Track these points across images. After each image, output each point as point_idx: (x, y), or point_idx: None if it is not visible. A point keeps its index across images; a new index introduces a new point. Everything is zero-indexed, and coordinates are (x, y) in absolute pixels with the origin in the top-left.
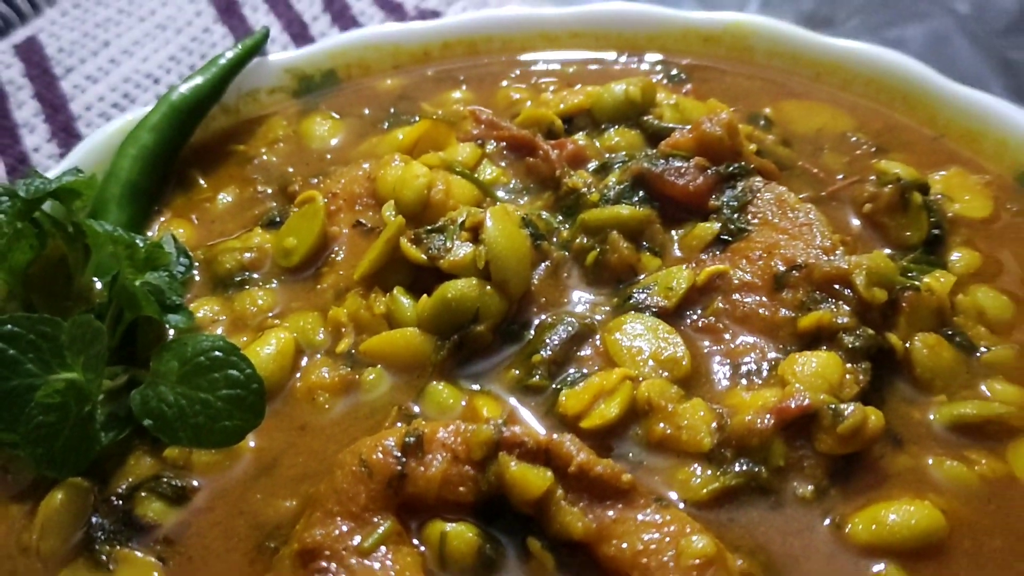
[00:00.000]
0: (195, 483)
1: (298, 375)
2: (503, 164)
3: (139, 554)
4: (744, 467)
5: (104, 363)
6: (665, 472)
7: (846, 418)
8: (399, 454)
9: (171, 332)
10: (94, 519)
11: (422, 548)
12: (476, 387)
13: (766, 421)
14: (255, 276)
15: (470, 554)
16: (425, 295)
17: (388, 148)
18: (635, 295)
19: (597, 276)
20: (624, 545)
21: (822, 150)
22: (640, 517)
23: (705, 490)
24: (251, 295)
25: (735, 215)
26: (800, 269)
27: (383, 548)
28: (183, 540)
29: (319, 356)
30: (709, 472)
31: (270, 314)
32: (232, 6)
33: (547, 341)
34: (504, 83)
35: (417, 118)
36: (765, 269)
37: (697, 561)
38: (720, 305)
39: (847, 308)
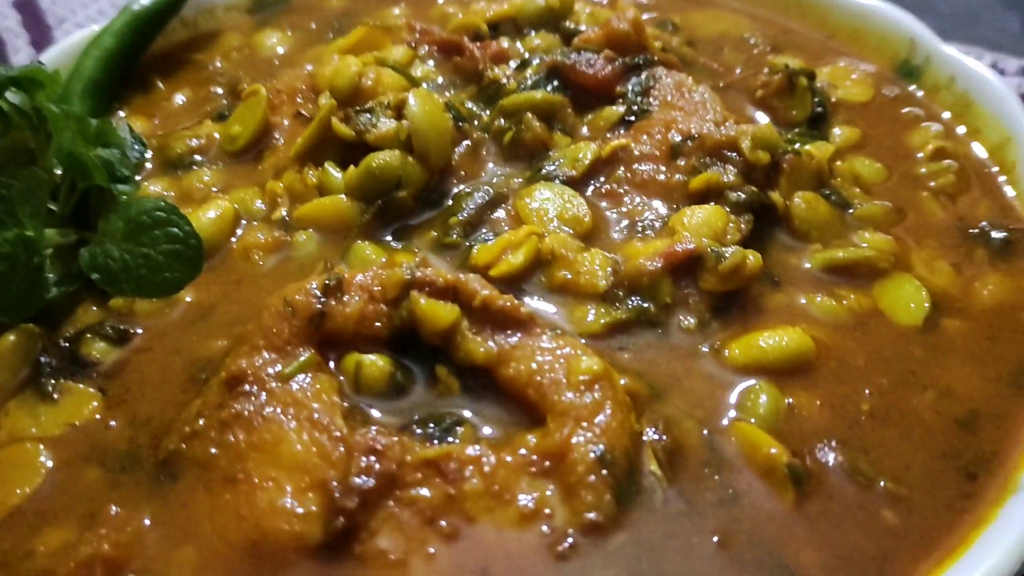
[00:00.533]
0: (137, 329)
1: (235, 239)
2: (432, 65)
3: (81, 386)
4: (635, 304)
5: (50, 216)
6: (564, 311)
7: (727, 259)
8: (320, 295)
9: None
10: (42, 358)
11: (340, 377)
12: (397, 246)
13: (656, 263)
14: (202, 159)
15: (382, 380)
16: (353, 166)
17: (329, 53)
18: (546, 167)
19: (513, 153)
20: (521, 367)
21: (723, 50)
22: (536, 343)
23: (599, 323)
24: (198, 175)
25: (638, 99)
26: (693, 139)
27: (302, 375)
28: (122, 375)
29: (256, 223)
30: (603, 309)
31: (214, 190)
32: None
33: (464, 206)
34: (440, 1)
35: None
36: (663, 141)
37: (585, 377)
38: (622, 174)
39: (734, 170)
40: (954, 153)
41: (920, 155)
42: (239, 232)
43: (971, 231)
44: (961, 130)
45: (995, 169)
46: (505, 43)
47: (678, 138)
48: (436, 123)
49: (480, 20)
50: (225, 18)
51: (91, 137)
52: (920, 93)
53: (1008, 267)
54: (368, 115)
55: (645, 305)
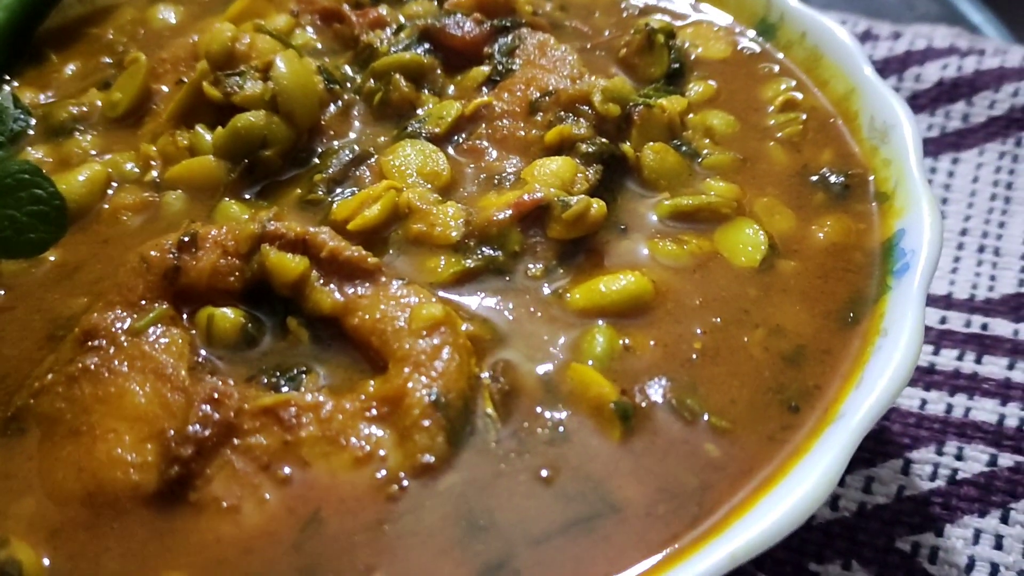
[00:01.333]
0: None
1: (106, 202)
2: (312, 32)
3: None
4: (484, 253)
5: None
6: (417, 262)
7: (572, 207)
8: (175, 250)
9: None
10: None
11: (194, 332)
12: (264, 204)
13: (505, 213)
14: (84, 127)
15: (233, 332)
16: (221, 127)
17: (216, 23)
18: (411, 125)
19: (382, 113)
20: (367, 316)
21: (594, 14)
22: (383, 293)
23: (448, 272)
24: (77, 141)
25: (504, 59)
26: (551, 95)
27: (154, 328)
28: None
29: (128, 185)
30: (454, 259)
31: (92, 153)
32: None
33: (330, 163)
34: None
35: None
36: (523, 99)
37: (426, 323)
38: (483, 130)
39: (586, 123)
40: (803, 105)
41: (771, 108)
42: (110, 194)
43: (812, 178)
44: (810, 83)
45: (839, 121)
46: (384, 10)
47: (536, 95)
48: (302, 83)
49: None
50: None
51: None
52: (780, 55)
53: (845, 210)
54: (237, 78)
55: (494, 254)
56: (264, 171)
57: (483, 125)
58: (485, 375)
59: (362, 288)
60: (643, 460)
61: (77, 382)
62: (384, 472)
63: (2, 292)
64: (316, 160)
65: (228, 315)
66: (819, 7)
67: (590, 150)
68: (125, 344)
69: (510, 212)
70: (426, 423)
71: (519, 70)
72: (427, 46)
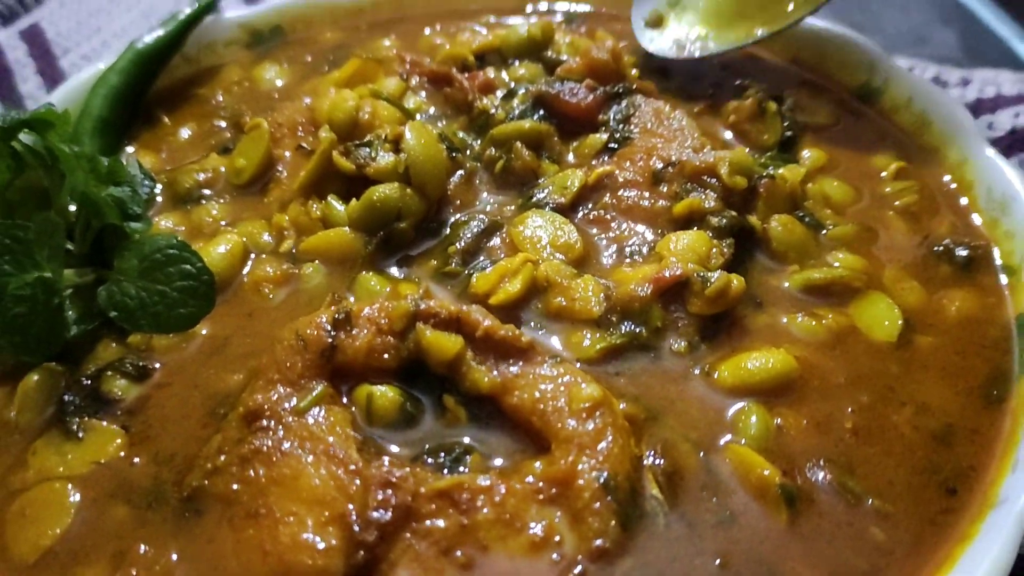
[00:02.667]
0: (156, 364)
1: (246, 272)
2: (424, 96)
3: (104, 424)
4: (627, 329)
5: (68, 257)
6: (561, 337)
7: (712, 283)
8: (330, 328)
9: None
10: (66, 396)
11: (353, 409)
12: (400, 275)
13: (645, 289)
14: (210, 193)
15: (393, 410)
16: (355, 199)
17: (326, 86)
18: (536, 195)
19: (504, 181)
20: (525, 395)
21: (694, 78)
22: (538, 371)
23: (595, 349)
24: (206, 209)
25: (620, 126)
26: (674, 165)
27: (317, 408)
28: (144, 411)
29: (264, 256)
30: (598, 335)
31: (223, 223)
32: None
33: (461, 235)
34: (427, 31)
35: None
36: (646, 168)
37: (586, 404)
38: (608, 200)
39: (714, 195)
40: (915, 172)
41: (883, 174)
42: (248, 265)
43: (936, 248)
44: (920, 150)
45: (954, 186)
46: (492, 73)
47: (659, 165)
48: (432, 155)
49: (467, 51)
50: (225, 53)
51: (103, 176)
52: (880, 114)
53: (972, 283)
54: (367, 148)
55: (637, 329)
56: (398, 243)
57: (607, 195)
58: (648, 456)
59: (515, 367)
60: (812, 543)
61: (250, 463)
62: (560, 556)
63: (158, 366)
64: (447, 231)
65: (387, 394)
66: None
67: (721, 223)
68: (292, 424)
69: (651, 288)
70: (597, 506)
71: (638, 138)
72: (541, 112)
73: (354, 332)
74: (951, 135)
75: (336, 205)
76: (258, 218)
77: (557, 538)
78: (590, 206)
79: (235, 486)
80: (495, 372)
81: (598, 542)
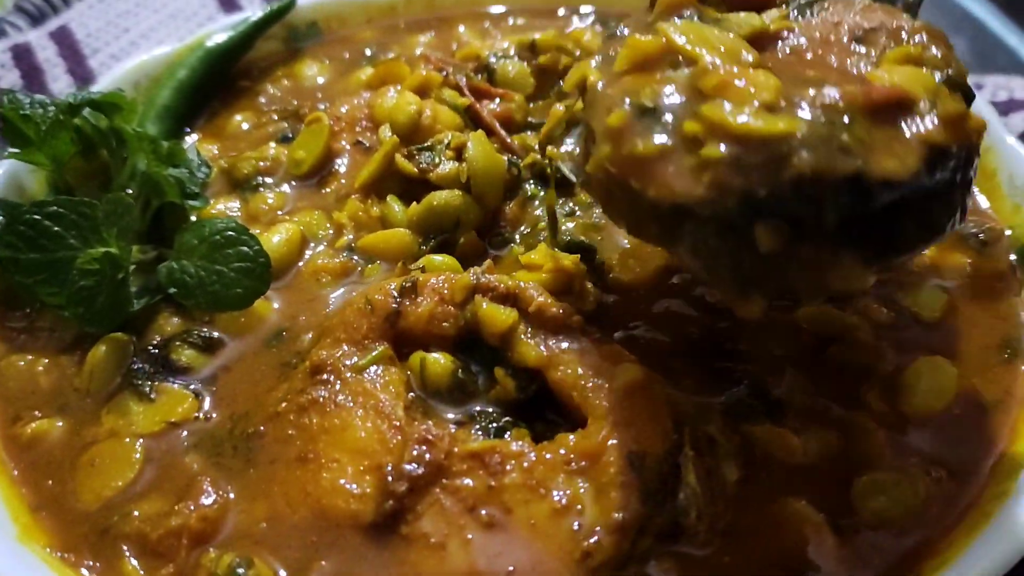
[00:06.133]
0: (221, 337)
1: (303, 262)
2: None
3: (176, 386)
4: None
5: (133, 233)
6: None
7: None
8: (397, 295)
9: (193, 219)
10: (135, 364)
11: (408, 373)
12: None
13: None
14: (269, 181)
15: (445, 376)
16: (415, 202)
17: (357, 84)
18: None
19: None
20: (568, 371)
21: None
22: (584, 349)
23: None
24: (264, 196)
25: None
26: (878, 29)
27: (376, 367)
28: (215, 380)
29: (322, 247)
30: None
31: (280, 212)
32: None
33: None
34: (462, 29)
35: (391, 55)
36: (839, 28)
37: (628, 384)
38: (794, 44)
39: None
40: None
41: None
42: (307, 255)
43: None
44: None
45: None
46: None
47: (864, 25)
48: (492, 166)
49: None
50: (263, 47)
51: (163, 157)
52: None
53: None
54: (429, 153)
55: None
56: (451, 250)
57: (791, 43)
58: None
59: (565, 343)
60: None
61: (307, 411)
62: (580, 525)
63: (226, 339)
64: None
65: (439, 360)
66: None
67: (948, 76)
68: (350, 379)
69: (862, 96)
70: (622, 481)
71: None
72: None
73: (419, 300)
74: None
75: (395, 207)
76: (314, 208)
77: (579, 507)
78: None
79: (291, 432)
80: (543, 347)
81: (617, 515)
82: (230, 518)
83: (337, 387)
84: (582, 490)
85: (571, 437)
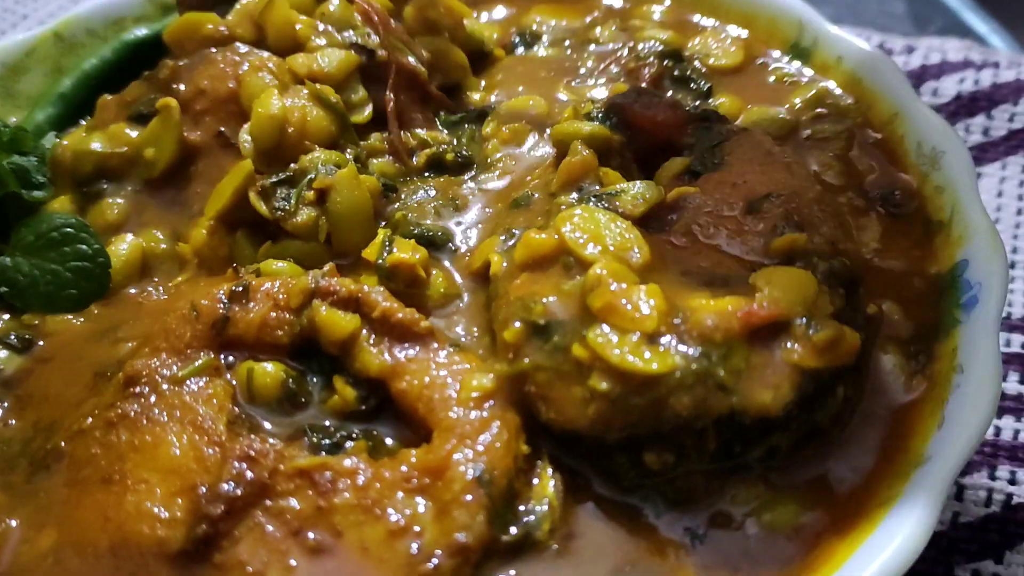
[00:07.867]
0: (40, 342)
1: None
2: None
3: None
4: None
5: None
6: None
7: (820, 331)
8: (226, 300)
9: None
10: None
11: (235, 385)
12: None
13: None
14: (107, 187)
15: (274, 387)
16: (269, 242)
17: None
18: (598, 195)
19: None
20: (414, 381)
21: None
22: (434, 358)
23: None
24: (108, 206)
25: (711, 150)
26: (776, 197)
27: (198, 379)
28: (26, 382)
29: (164, 265)
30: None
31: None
32: None
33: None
34: None
35: None
36: (738, 195)
37: (476, 394)
38: (686, 222)
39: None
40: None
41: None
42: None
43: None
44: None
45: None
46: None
47: (759, 193)
48: (358, 213)
49: None
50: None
51: (4, 144)
52: (815, 73)
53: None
54: (288, 189)
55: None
56: None
57: (688, 215)
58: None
59: (412, 351)
60: None
61: (115, 427)
62: (417, 548)
63: (41, 343)
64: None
65: (268, 370)
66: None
67: (832, 267)
68: (167, 392)
69: (739, 321)
70: (467, 499)
71: (730, 168)
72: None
73: (250, 306)
74: (882, 92)
75: (245, 249)
76: (163, 227)
77: (417, 528)
78: (668, 226)
79: (95, 450)
80: (387, 356)
81: (460, 536)
82: (7, 550)
83: (152, 400)
84: (422, 510)
85: (413, 453)
